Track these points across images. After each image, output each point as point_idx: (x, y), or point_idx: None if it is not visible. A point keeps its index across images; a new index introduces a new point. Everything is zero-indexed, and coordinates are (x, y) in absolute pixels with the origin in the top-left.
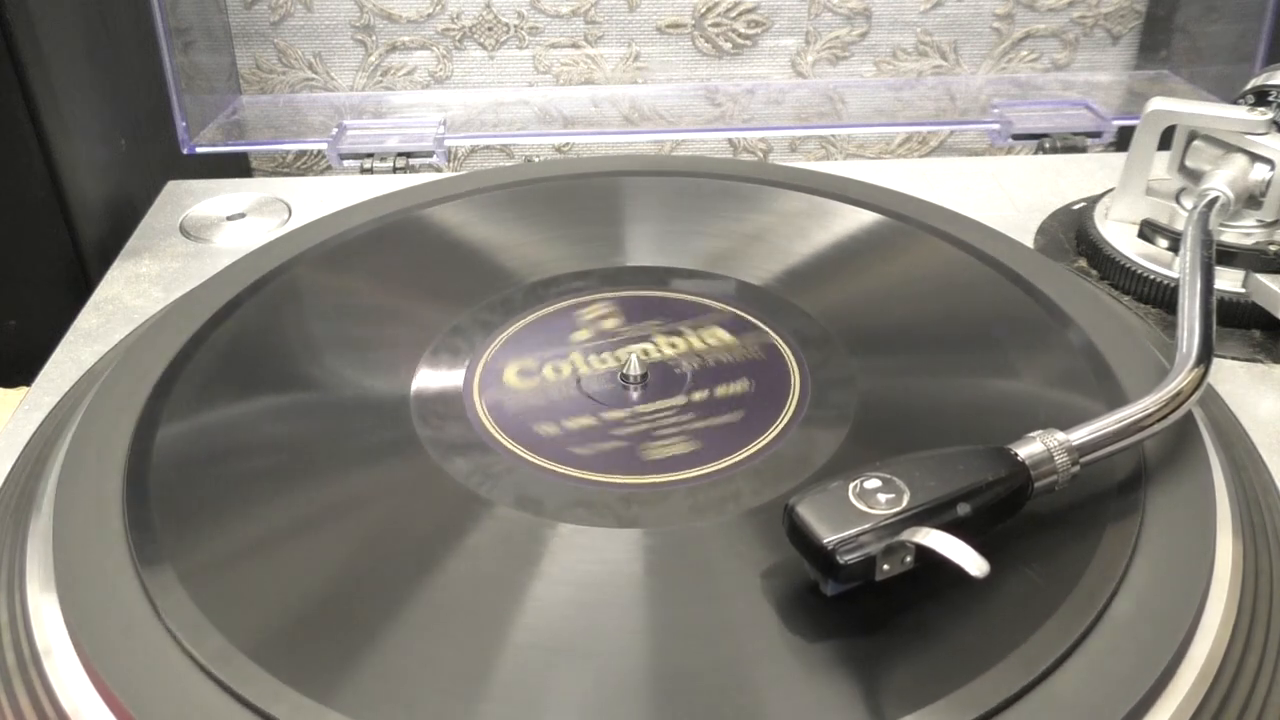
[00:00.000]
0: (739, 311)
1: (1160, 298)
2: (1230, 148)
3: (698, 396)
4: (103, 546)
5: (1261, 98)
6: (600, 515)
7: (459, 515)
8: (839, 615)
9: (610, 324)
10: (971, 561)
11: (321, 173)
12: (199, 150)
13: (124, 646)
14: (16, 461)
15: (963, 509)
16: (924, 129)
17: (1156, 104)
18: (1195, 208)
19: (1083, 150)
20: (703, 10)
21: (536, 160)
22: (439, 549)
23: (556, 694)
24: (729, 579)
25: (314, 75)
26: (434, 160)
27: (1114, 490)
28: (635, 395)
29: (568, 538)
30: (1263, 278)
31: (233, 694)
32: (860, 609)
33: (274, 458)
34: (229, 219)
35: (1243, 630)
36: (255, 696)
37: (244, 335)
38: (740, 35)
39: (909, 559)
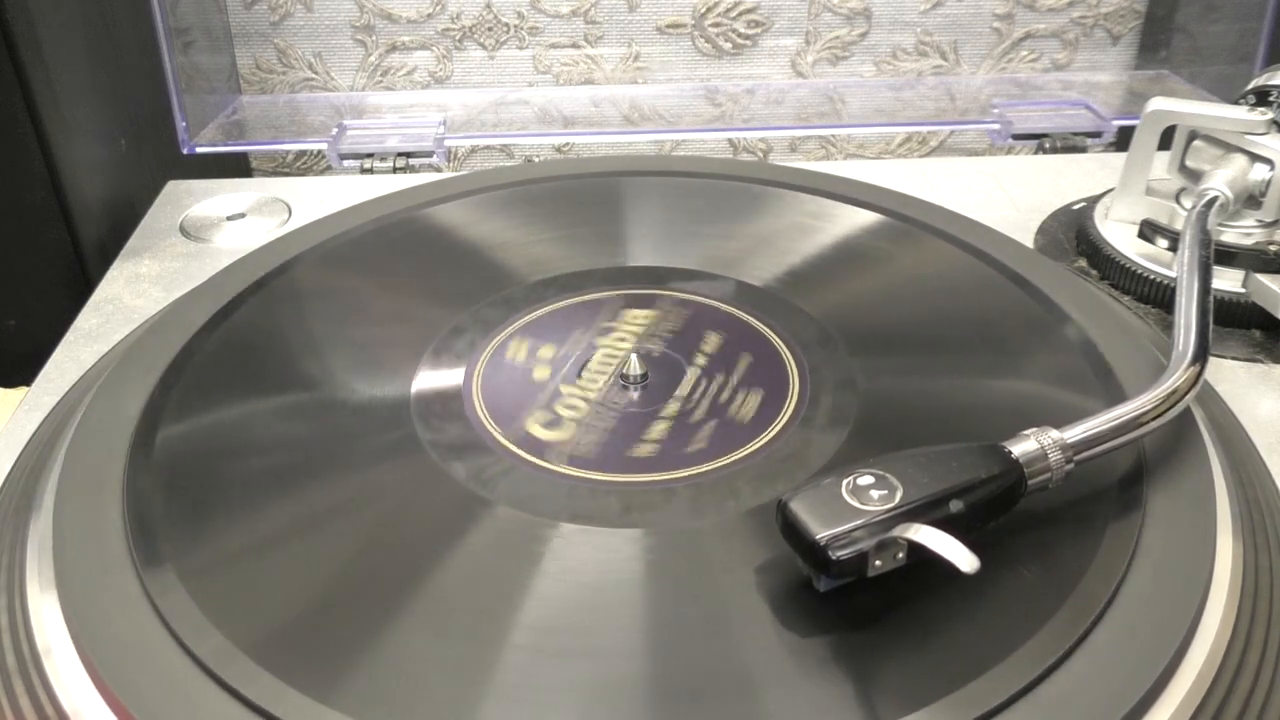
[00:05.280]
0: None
1: (1160, 298)
2: (1230, 148)
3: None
4: (103, 546)
5: (1262, 98)
6: (600, 515)
7: (459, 515)
8: (841, 615)
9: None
10: (963, 558)
11: (321, 173)
12: (199, 150)
13: (124, 646)
14: (16, 461)
15: (955, 505)
16: (924, 129)
17: (1156, 104)
18: (1194, 207)
19: (1083, 150)
20: (703, 10)
21: (537, 160)
22: (439, 549)
23: (556, 694)
24: (729, 579)
25: (314, 75)
26: (434, 160)
27: (1114, 490)
28: (635, 395)
29: (567, 537)
30: (1263, 278)
31: (233, 693)
32: (862, 608)
33: (274, 457)
34: (229, 219)
35: (1243, 630)
36: (256, 696)
37: (244, 335)
38: (740, 35)
39: (901, 555)
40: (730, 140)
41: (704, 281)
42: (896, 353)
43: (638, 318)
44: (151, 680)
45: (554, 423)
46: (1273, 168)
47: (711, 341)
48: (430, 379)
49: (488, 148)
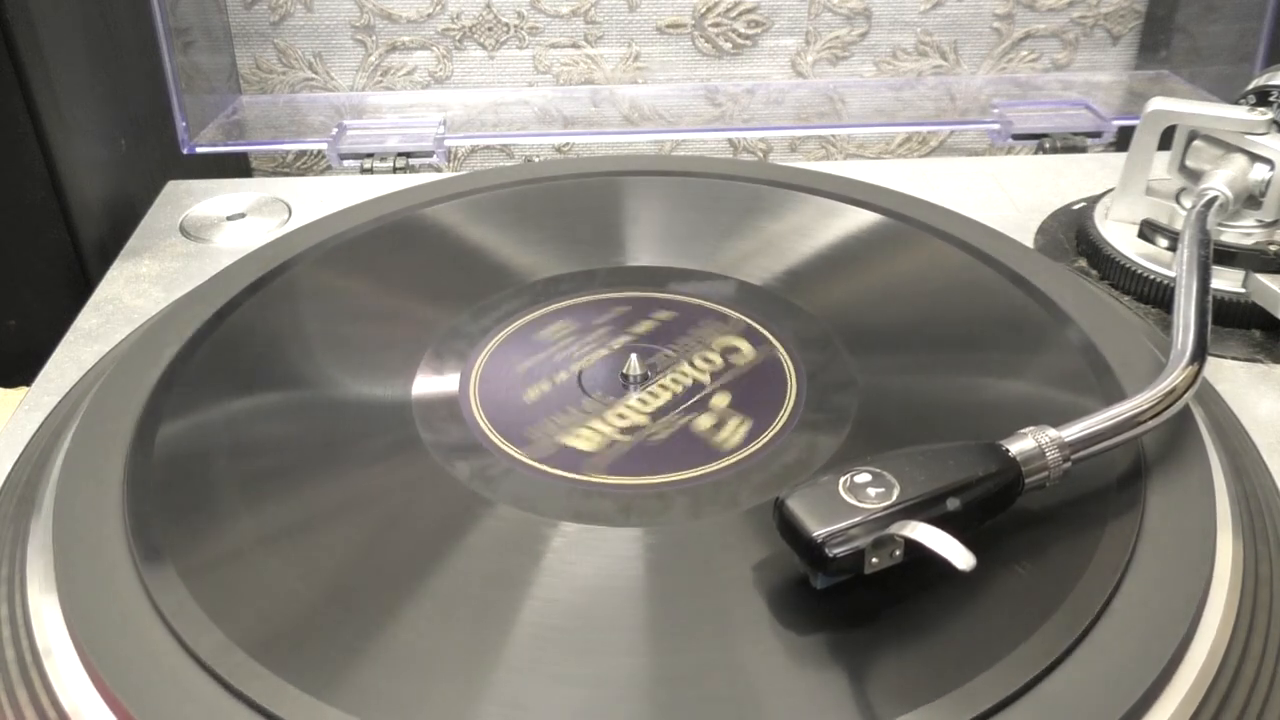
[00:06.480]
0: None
1: (1160, 297)
2: (1230, 148)
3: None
4: (103, 546)
5: (1262, 98)
6: (600, 515)
7: (459, 515)
8: (838, 613)
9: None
10: (959, 555)
11: (321, 173)
12: (199, 150)
13: (124, 646)
14: (16, 461)
15: (952, 503)
16: (924, 129)
17: (1156, 104)
18: (1194, 207)
19: (1083, 150)
20: (703, 10)
21: (536, 160)
22: (440, 548)
23: (556, 693)
24: (728, 579)
25: (314, 75)
26: (434, 160)
27: (1114, 490)
28: (635, 395)
29: (567, 537)
30: (1263, 278)
31: (234, 692)
32: (859, 606)
33: (274, 457)
34: (229, 219)
35: (1243, 630)
36: (256, 695)
37: (244, 335)
38: (740, 35)
39: (898, 553)
40: (730, 140)
41: (704, 281)
42: (896, 353)
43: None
44: (151, 680)
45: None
46: (1273, 168)
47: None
48: (430, 379)
49: (488, 148)
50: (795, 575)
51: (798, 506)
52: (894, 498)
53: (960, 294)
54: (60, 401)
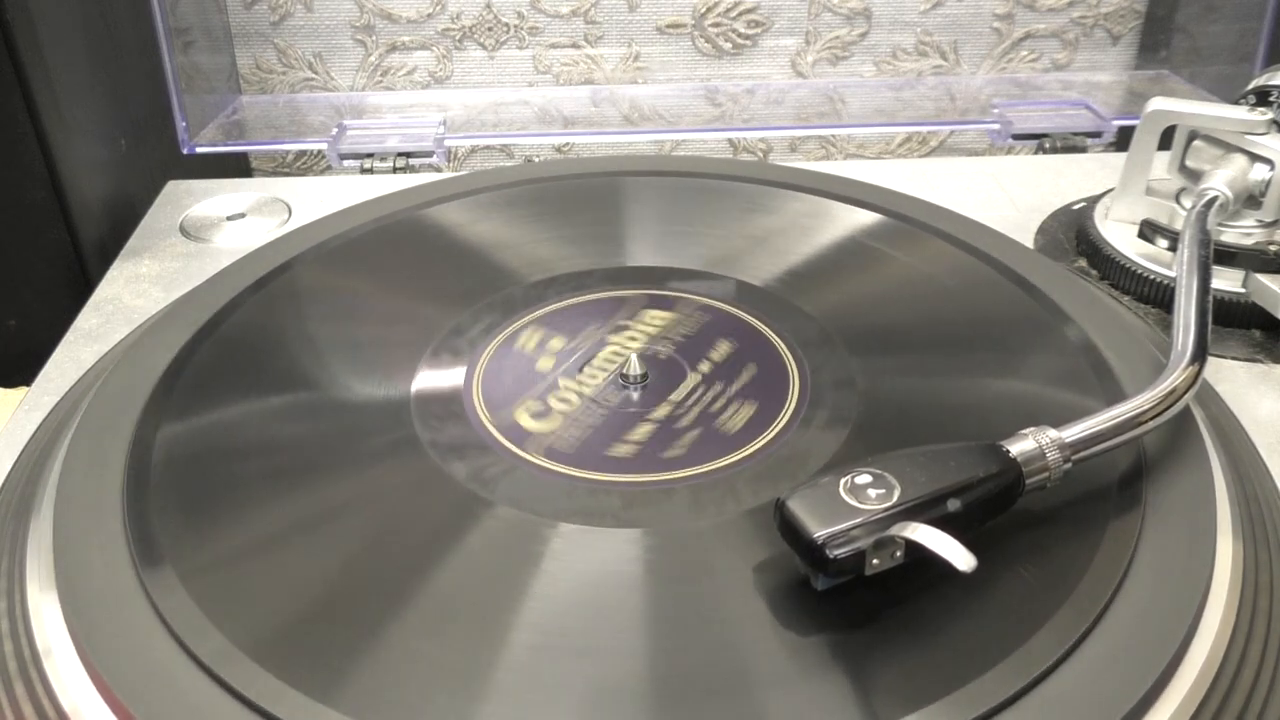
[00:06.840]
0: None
1: (1160, 298)
2: (1230, 148)
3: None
4: (103, 546)
5: (1262, 98)
6: (600, 515)
7: (459, 515)
8: (839, 614)
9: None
10: (960, 557)
11: (321, 173)
12: (199, 150)
13: (124, 646)
14: (16, 461)
15: (953, 504)
16: (924, 129)
17: (1156, 104)
18: (1194, 207)
19: (1083, 150)
20: (703, 10)
21: (536, 160)
22: (439, 549)
23: (556, 694)
24: (728, 579)
25: (314, 75)
26: (434, 160)
27: (1114, 491)
28: (635, 395)
29: (567, 538)
30: (1263, 278)
31: (233, 693)
32: (860, 607)
33: (274, 458)
34: (229, 219)
35: (1243, 630)
36: (256, 696)
37: (244, 335)
38: (740, 35)
39: (899, 554)
40: (730, 140)
41: (704, 281)
42: (896, 353)
43: (637, 318)
44: (151, 680)
45: (544, 414)
46: (1273, 168)
47: (711, 342)
48: (430, 379)
49: (488, 148)
50: (796, 576)
51: (798, 507)
52: (895, 499)
53: (960, 294)
54: (60, 401)
